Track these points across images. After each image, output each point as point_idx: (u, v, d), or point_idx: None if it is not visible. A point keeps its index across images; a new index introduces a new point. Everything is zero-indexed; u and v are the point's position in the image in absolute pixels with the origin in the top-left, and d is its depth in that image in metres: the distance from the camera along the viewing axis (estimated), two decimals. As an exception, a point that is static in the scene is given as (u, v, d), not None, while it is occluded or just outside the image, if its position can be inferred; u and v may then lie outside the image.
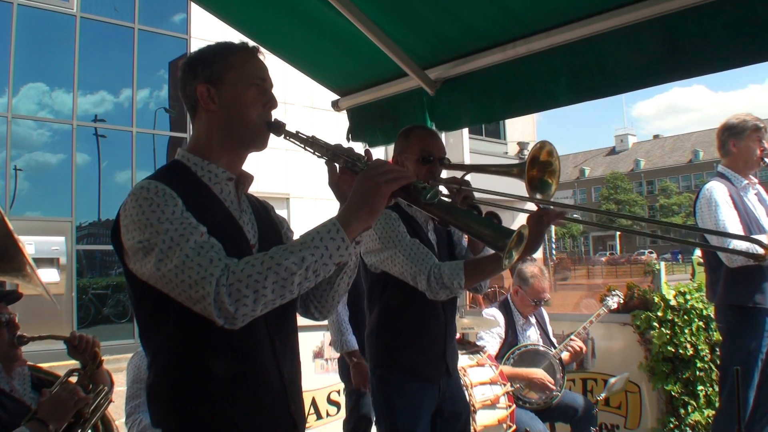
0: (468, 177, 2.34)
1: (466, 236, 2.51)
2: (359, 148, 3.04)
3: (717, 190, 3.19)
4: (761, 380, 3.06)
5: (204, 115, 1.52)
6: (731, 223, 3.09)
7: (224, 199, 1.51)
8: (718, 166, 3.42)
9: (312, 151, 1.52)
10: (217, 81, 1.49)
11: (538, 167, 2.15)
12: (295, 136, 1.53)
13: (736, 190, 3.23)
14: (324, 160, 1.52)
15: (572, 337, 3.65)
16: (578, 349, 3.60)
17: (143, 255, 1.32)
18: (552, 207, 2.08)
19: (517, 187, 2.24)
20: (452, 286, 2.08)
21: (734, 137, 3.25)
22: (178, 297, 1.30)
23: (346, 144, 1.55)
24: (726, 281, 3.14)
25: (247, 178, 1.59)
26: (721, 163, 3.38)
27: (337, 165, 1.50)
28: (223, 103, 1.49)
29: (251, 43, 1.59)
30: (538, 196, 2.15)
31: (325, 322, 3.49)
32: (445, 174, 2.43)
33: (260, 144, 1.55)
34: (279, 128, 1.52)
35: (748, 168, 3.27)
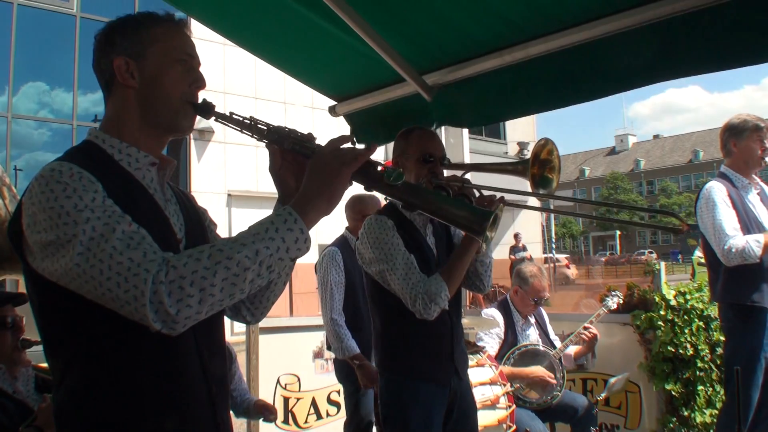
0: (468, 176, 2.34)
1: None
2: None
3: (715, 190, 3.22)
4: (765, 379, 3.07)
5: (121, 92, 1.33)
6: (728, 222, 3.11)
7: (147, 187, 1.32)
8: (721, 166, 3.44)
9: (250, 134, 1.38)
10: (137, 54, 1.31)
11: (538, 165, 2.16)
12: (229, 119, 1.38)
13: (737, 190, 3.25)
14: (265, 143, 1.38)
15: (585, 324, 3.67)
16: (591, 336, 3.62)
17: (55, 250, 1.12)
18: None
19: (517, 185, 2.25)
20: (438, 300, 2.07)
21: (735, 137, 3.27)
22: (100, 298, 1.11)
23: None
24: (725, 280, 3.17)
25: (170, 164, 1.40)
26: (724, 163, 3.40)
27: (279, 148, 1.37)
28: (143, 80, 1.31)
29: (179, 14, 1.44)
30: (541, 192, 2.16)
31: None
32: (446, 173, 2.44)
33: (184, 127, 1.38)
34: (207, 110, 1.35)
35: (750, 168, 3.28)
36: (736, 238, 3.05)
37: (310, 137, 1.36)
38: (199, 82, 1.37)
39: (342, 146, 1.25)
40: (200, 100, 1.38)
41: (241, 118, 1.38)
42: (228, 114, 1.39)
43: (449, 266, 2.15)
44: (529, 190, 2.18)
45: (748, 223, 3.15)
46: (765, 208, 3.27)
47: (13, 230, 1.21)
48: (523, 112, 2.66)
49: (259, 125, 1.38)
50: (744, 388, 3.02)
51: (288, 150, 1.36)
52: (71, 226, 1.10)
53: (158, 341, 1.14)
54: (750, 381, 3.03)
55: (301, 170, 1.34)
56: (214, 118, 1.38)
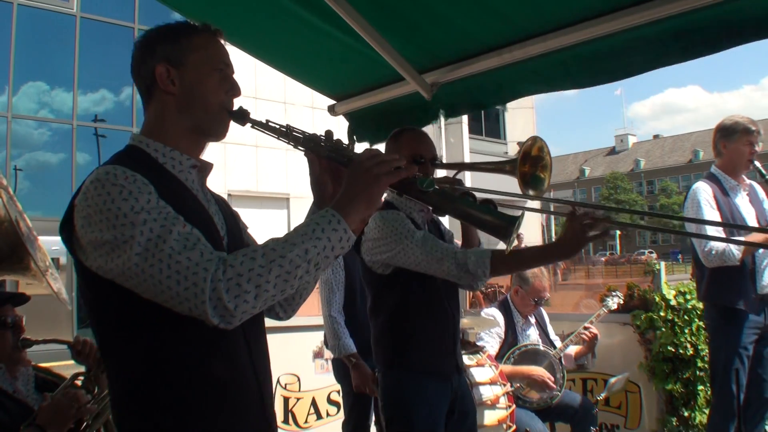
0: (464, 175, 2.34)
1: (461, 239, 2.52)
2: (363, 148, 3.06)
3: (701, 190, 3.26)
4: (750, 378, 3.12)
5: (161, 98, 1.39)
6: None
7: (191, 188, 1.39)
8: (711, 167, 3.47)
9: (287, 141, 1.44)
10: (178, 62, 1.37)
11: (529, 163, 2.16)
12: (265, 126, 1.44)
13: (724, 191, 3.27)
14: (303, 151, 1.44)
15: (586, 324, 3.68)
16: (591, 336, 3.63)
17: (111, 249, 1.17)
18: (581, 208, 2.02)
19: (511, 184, 2.24)
20: (476, 273, 2.08)
21: (725, 139, 3.30)
22: (157, 296, 1.17)
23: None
24: (709, 280, 3.23)
25: (208, 166, 1.47)
26: (714, 164, 3.44)
27: (317, 155, 1.42)
28: (183, 87, 1.38)
29: (214, 24, 1.51)
30: (531, 193, 2.16)
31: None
32: (443, 173, 2.44)
33: (220, 133, 1.44)
34: (243, 117, 1.42)
35: (738, 169, 3.31)
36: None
37: (347, 145, 1.42)
38: (235, 90, 1.44)
39: (383, 157, 1.31)
40: (236, 108, 1.44)
41: (276, 126, 1.44)
42: (264, 121, 1.44)
43: (512, 257, 2.13)
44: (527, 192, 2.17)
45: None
46: (753, 209, 3.30)
47: (66, 230, 1.27)
48: (526, 94, 2.67)
49: (294, 133, 1.43)
50: (726, 385, 3.10)
51: (324, 157, 1.41)
52: (129, 227, 1.16)
53: (211, 333, 1.19)
54: (731, 377, 3.09)
55: (338, 175, 1.42)
56: (249, 125, 1.43)
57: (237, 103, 1.48)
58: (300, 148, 1.43)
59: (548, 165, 2.16)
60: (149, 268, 1.15)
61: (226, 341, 1.28)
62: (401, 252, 2.18)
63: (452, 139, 17.93)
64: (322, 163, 1.43)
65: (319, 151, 1.41)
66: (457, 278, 2.12)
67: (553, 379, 3.43)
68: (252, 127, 1.45)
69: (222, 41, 1.47)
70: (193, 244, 1.18)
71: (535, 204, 2.32)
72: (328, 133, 1.44)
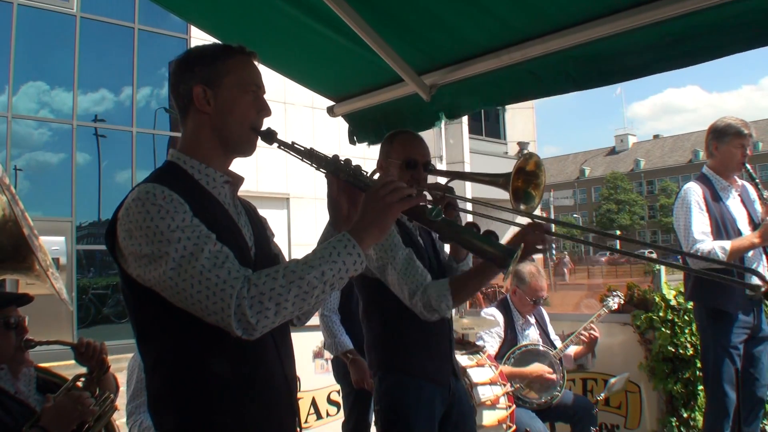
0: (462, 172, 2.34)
1: (449, 246, 2.51)
2: (364, 149, 3.07)
3: (692, 192, 3.27)
4: (743, 379, 3.13)
5: (197, 116, 1.50)
6: (698, 226, 3.17)
7: (223, 203, 1.50)
8: (702, 167, 3.47)
9: (309, 162, 1.54)
10: (214, 83, 1.48)
11: (523, 178, 2.16)
12: (290, 147, 1.53)
13: (714, 192, 3.27)
14: (324, 173, 1.54)
15: (586, 324, 3.68)
16: (592, 338, 3.64)
17: (149, 262, 1.30)
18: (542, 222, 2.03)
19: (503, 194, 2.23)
20: (440, 309, 2.09)
21: (716, 140, 3.30)
22: (188, 307, 1.29)
23: (349, 147, 1.55)
24: (695, 281, 3.24)
25: (239, 180, 1.58)
26: (706, 164, 3.44)
27: (336, 178, 1.52)
28: (217, 107, 1.48)
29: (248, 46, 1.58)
30: (522, 207, 2.16)
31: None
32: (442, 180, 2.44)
33: (248, 150, 1.54)
34: (270, 137, 1.52)
35: (729, 171, 3.32)
36: (704, 243, 3.12)
37: (363, 171, 1.52)
38: (265, 110, 1.54)
39: (395, 185, 1.41)
40: (264, 127, 1.54)
41: (302, 148, 1.54)
42: (290, 143, 1.54)
43: (462, 281, 2.16)
44: (518, 204, 2.17)
45: (723, 227, 3.19)
46: (744, 209, 3.30)
47: (109, 239, 1.40)
48: (525, 99, 2.68)
49: (317, 156, 1.53)
50: (718, 385, 3.12)
51: (342, 180, 1.52)
52: (165, 244, 1.29)
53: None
54: (722, 376, 3.11)
55: (353, 197, 1.54)
56: (276, 144, 1.53)
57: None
58: (322, 170, 1.53)
59: (542, 183, 2.16)
60: (182, 282, 1.27)
61: (257, 341, 1.36)
62: (382, 269, 2.19)
63: (452, 139, 17.91)
64: (339, 186, 1.54)
65: (339, 174, 1.51)
66: (424, 316, 2.13)
67: (552, 371, 3.44)
68: (278, 147, 1.54)
69: (256, 63, 1.56)
70: (221, 262, 1.29)
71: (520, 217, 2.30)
72: (348, 161, 1.53)
